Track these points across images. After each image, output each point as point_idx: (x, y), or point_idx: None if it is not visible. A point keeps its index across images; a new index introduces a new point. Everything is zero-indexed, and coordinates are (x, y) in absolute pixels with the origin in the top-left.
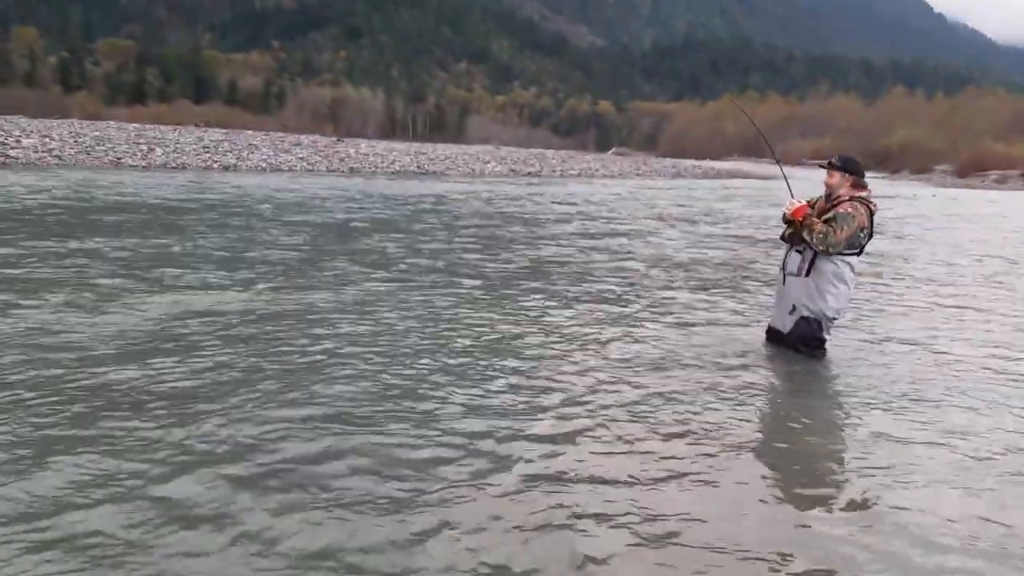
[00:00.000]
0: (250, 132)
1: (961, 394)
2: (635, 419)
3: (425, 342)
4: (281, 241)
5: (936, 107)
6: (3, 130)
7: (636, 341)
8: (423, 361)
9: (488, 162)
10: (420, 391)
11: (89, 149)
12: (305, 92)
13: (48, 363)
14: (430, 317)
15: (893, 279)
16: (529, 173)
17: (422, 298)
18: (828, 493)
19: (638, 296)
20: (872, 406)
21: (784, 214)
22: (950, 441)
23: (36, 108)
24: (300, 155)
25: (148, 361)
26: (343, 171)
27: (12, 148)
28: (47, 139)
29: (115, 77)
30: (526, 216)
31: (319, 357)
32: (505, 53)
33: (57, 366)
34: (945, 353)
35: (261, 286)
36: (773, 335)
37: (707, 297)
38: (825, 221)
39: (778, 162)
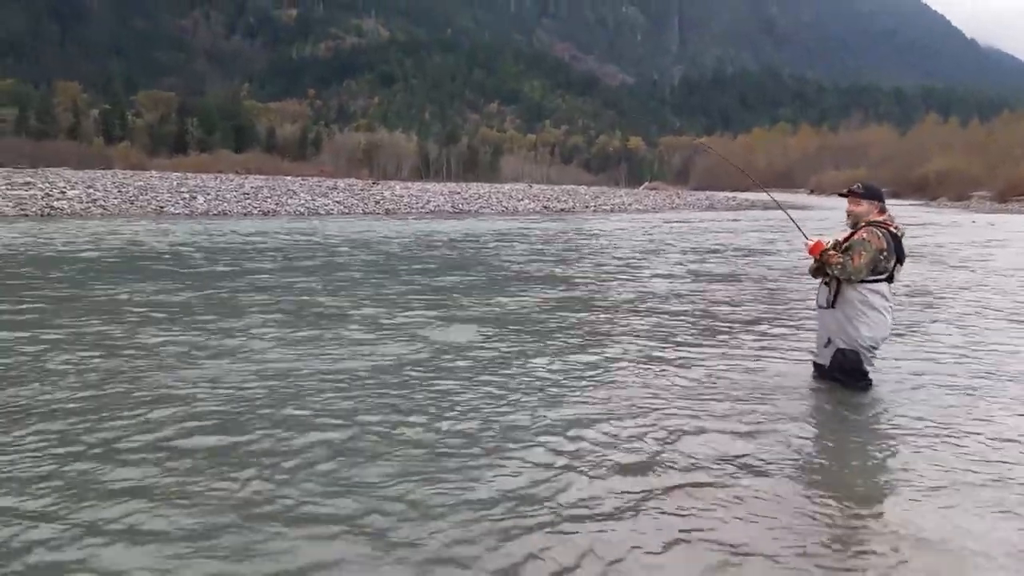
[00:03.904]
0: (288, 178)
1: (1003, 429)
2: (674, 452)
3: (469, 372)
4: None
5: (972, 134)
6: (48, 182)
7: (678, 376)
8: (459, 385)
9: (521, 200)
10: (468, 417)
11: (132, 199)
12: (341, 138)
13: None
14: (473, 346)
15: (934, 308)
16: (562, 210)
17: (469, 327)
18: (862, 523)
19: (680, 330)
20: (914, 440)
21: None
22: (990, 476)
23: (80, 160)
24: (337, 199)
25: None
26: (379, 213)
27: (57, 199)
28: (91, 190)
29: (156, 128)
30: (561, 251)
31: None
32: (536, 93)
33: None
34: (989, 387)
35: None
36: (818, 370)
37: (750, 331)
38: (844, 251)
39: (779, 204)
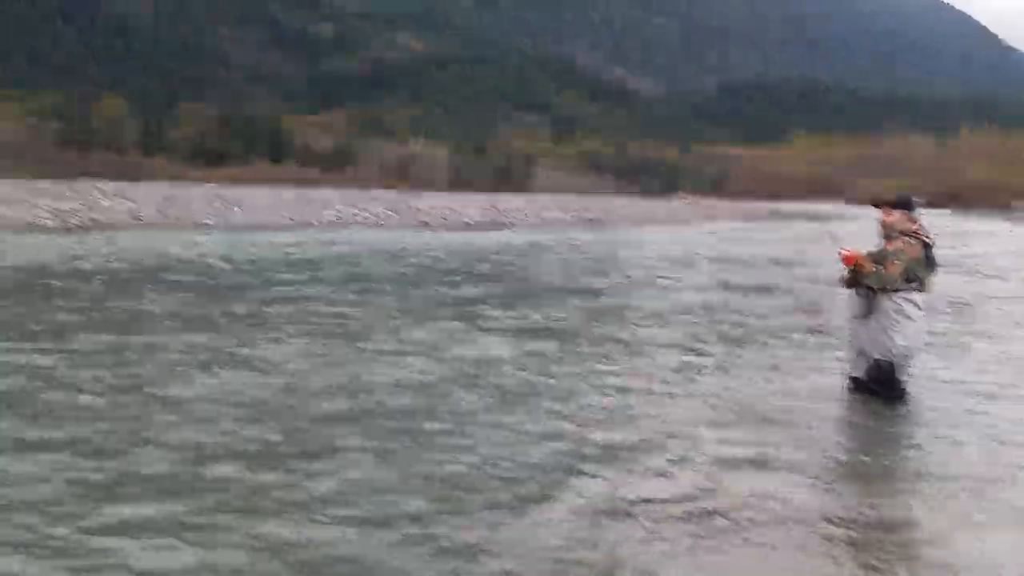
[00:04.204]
0: (325, 190)
1: None
2: (706, 466)
3: (498, 389)
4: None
5: (1013, 143)
6: (90, 195)
7: (711, 389)
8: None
9: (554, 211)
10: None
11: (171, 211)
12: (377, 150)
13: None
14: (503, 361)
15: (970, 319)
16: (595, 220)
17: (500, 341)
18: (893, 537)
19: (713, 342)
20: (952, 452)
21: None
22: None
23: (119, 172)
24: (373, 211)
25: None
26: (414, 224)
27: (98, 212)
28: (131, 202)
29: (195, 141)
30: (593, 263)
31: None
32: (568, 104)
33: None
34: None
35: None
36: (852, 382)
37: (783, 342)
38: (876, 261)
39: (814, 215)
